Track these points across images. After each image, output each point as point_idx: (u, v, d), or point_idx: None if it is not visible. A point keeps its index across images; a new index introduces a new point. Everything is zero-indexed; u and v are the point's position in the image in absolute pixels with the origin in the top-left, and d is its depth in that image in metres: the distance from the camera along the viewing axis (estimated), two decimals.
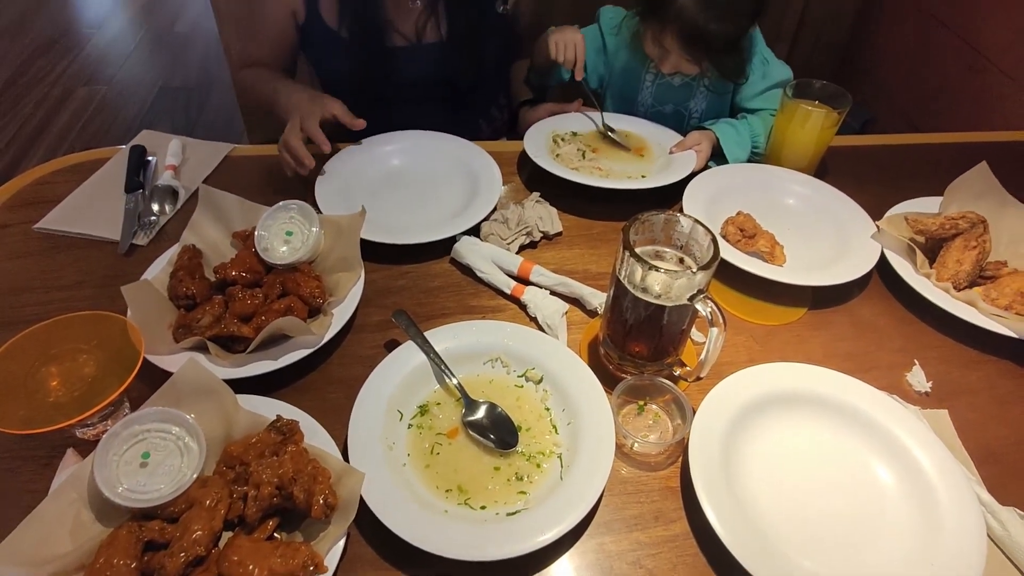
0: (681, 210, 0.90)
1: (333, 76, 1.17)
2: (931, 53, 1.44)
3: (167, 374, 0.61)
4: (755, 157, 1.07)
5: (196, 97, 2.74)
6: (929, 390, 0.74)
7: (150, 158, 1.00)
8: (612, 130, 1.08)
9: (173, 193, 0.93)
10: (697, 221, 0.68)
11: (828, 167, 1.06)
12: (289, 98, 1.00)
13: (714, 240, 0.65)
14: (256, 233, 0.78)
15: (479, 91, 1.23)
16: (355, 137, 1.01)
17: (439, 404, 0.69)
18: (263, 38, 1.11)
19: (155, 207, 0.91)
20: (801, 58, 1.62)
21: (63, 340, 0.63)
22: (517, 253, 0.88)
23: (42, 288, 0.81)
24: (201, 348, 0.69)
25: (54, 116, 2.56)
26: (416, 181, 0.99)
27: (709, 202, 0.94)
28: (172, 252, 0.78)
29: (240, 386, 0.64)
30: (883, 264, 0.86)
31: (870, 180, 1.04)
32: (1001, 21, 1.26)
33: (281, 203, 0.81)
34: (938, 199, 0.93)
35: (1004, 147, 1.16)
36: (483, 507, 0.60)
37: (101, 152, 1.02)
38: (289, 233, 0.80)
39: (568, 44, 1.06)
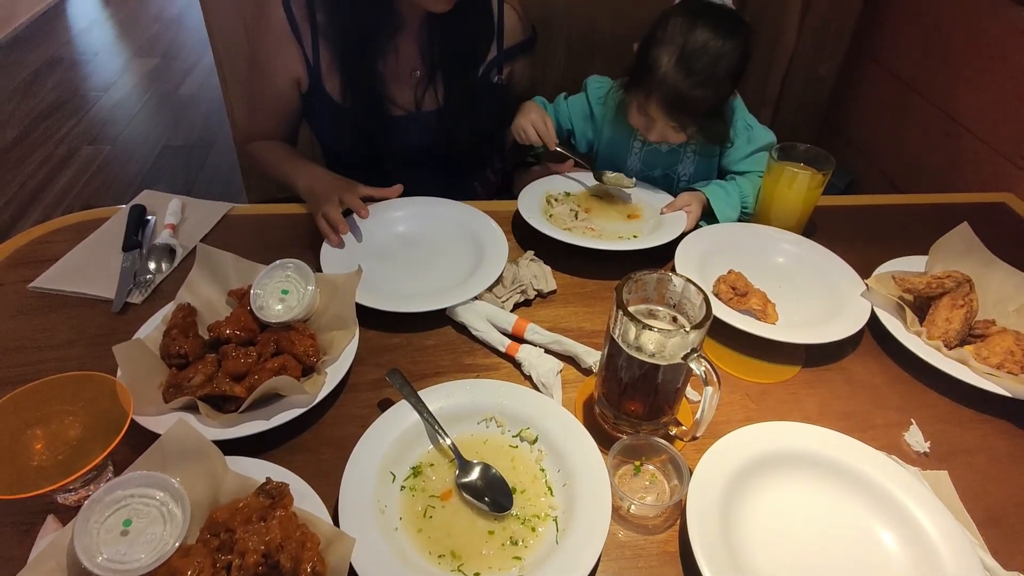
0: (673, 269, 0.92)
1: (334, 143, 1.20)
2: (908, 118, 1.49)
3: (155, 435, 0.60)
4: (744, 217, 1.09)
5: (197, 156, 2.80)
6: (928, 450, 0.73)
7: (149, 217, 1.01)
8: (603, 178, 1.11)
9: (170, 252, 0.94)
10: (689, 280, 0.68)
11: (816, 226, 1.09)
12: (312, 180, 1.05)
13: (706, 299, 0.66)
14: (252, 291, 0.79)
15: (475, 155, 1.27)
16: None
17: (432, 465, 0.68)
18: (269, 109, 1.14)
19: (151, 265, 0.91)
20: (785, 121, 1.68)
21: (50, 402, 0.62)
22: (512, 311, 0.89)
23: (34, 347, 0.81)
24: (192, 408, 0.69)
25: (57, 175, 2.60)
26: (422, 247, 0.99)
27: (701, 260, 0.95)
28: (167, 310, 0.78)
29: (230, 447, 0.62)
30: (874, 322, 0.86)
31: (856, 239, 1.06)
32: (974, 91, 1.32)
33: (278, 262, 0.82)
34: (923, 258, 0.95)
35: (982, 208, 1.19)
36: (477, 574, 0.58)
37: (101, 212, 1.04)
38: (285, 292, 0.80)
39: (527, 128, 1.10)
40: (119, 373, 0.68)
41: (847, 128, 1.68)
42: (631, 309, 0.66)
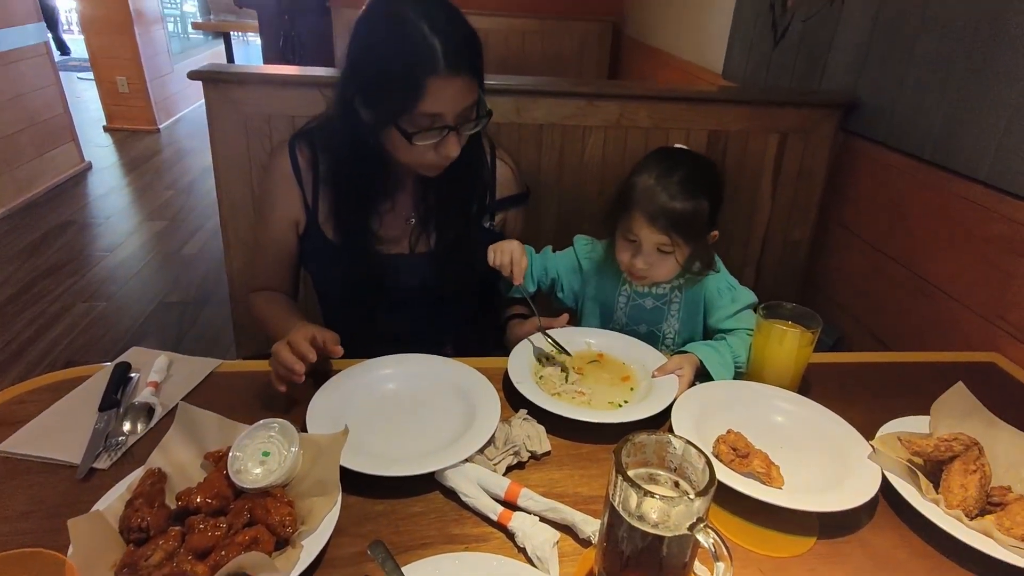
0: (670, 428, 0.89)
1: (327, 283, 1.24)
2: (883, 280, 1.55)
3: None
4: (738, 374, 1.08)
5: (191, 312, 2.83)
6: None
7: (133, 375, 0.99)
8: (565, 350, 1.10)
9: (149, 411, 0.90)
10: (689, 443, 0.66)
11: (810, 384, 1.08)
12: (288, 329, 1.03)
13: (709, 463, 0.63)
14: (230, 454, 0.74)
15: (467, 302, 1.29)
16: (348, 355, 1.02)
17: None
18: (270, 255, 1.19)
19: (126, 427, 0.87)
20: (768, 280, 1.75)
21: None
22: (504, 474, 0.84)
23: None
24: None
25: (45, 332, 2.60)
26: (411, 406, 0.96)
27: (698, 420, 0.92)
28: (134, 476, 0.73)
29: None
30: (886, 487, 0.82)
31: (852, 397, 1.05)
32: (943, 257, 1.39)
33: (262, 422, 0.79)
34: (924, 418, 0.93)
35: (972, 367, 1.20)
36: None
37: (83, 370, 1.01)
38: (266, 454, 0.76)
39: (504, 251, 1.13)
40: (70, 551, 0.61)
41: (828, 288, 1.74)
42: (631, 473, 0.62)
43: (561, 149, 1.56)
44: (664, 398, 0.98)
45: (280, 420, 0.78)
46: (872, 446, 0.87)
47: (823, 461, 0.88)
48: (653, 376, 1.04)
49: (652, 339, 1.19)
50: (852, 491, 0.80)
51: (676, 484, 0.67)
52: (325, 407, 0.92)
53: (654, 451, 0.68)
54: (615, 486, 0.63)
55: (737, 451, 0.85)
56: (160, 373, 0.99)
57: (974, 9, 1.27)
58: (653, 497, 0.59)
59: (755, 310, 1.05)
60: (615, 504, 0.63)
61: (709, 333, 1.18)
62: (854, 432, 0.91)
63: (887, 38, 1.50)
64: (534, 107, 1.51)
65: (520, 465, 0.87)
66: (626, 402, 1.00)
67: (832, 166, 1.67)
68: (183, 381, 1.00)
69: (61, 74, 4.25)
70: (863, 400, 1.04)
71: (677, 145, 1.18)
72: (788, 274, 1.74)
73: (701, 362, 1.06)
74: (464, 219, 1.20)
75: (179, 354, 1.06)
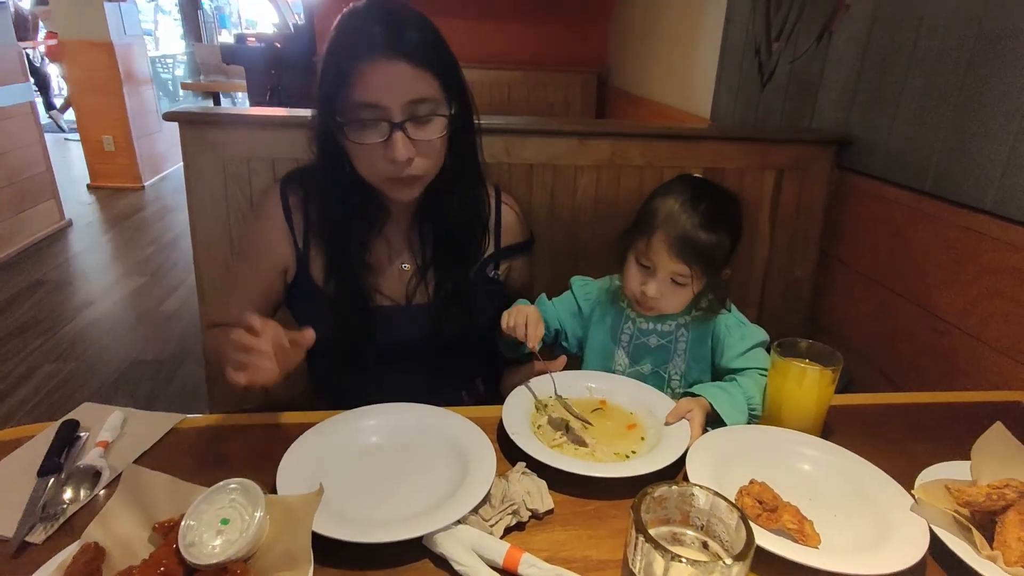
0: (686, 478, 0.79)
1: (318, 335, 1.14)
2: (891, 317, 1.49)
3: None
4: (752, 418, 1.00)
5: (166, 369, 2.70)
6: None
7: (82, 434, 0.88)
8: (561, 400, 1.00)
9: (95, 475, 0.79)
10: (718, 495, 0.57)
11: (832, 428, 0.99)
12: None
13: (744, 519, 0.54)
14: (183, 523, 0.64)
15: (464, 359, 1.19)
16: (336, 408, 0.93)
17: None
18: (246, 294, 1.09)
19: (67, 494, 0.76)
20: (771, 321, 1.68)
21: None
22: (502, 537, 0.73)
23: None
24: None
25: (6, 396, 2.45)
26: (396, 461, 0.86)
27: (715, 470, 0.83)
28: (68, 552, 0.62)
29: None
30: (935, 542, 0.73)
31: (876, 442, 0.95)
32: (951, 290, 1.33)
33: (221, 483, 0.68)
34: (964, 463, 0.84)
35: (998, 407, 1.11)
36: None
37: (25, 430, 0.90)
38: (225, 521, 0.65)
39: (520, 314, 1.04)
40: None
41: (834, 328, 1.67)
42: (652, 533, 0.53)
43: (552, 189, 1.51)
44: (677, 446, 0.88)
45: (242, 480, 0.68)
46: (914, 496, 0.78)
47: (860, 515, 0.79)
48: (667, 424, 0.95)
49: (657, 381, 1.11)
50: (899, 549, 0.70)
51: (704, 545, 0.58)
52: (299, 464, 0.81)
53: (676, 506, 0.59)
54: (635, 548, 0.53)
55: (764, 504, 0.75)
56: (112, 431, 0.89)
57: (963, 43, 1.26)
58: (681, 562, 0.50)
59: (768, 349, 0.97)
60: (635, 571, 0.53)
61: (718, 374, 1.10)
62: (892, 481, 0.82)
63: (877, 75, 1.49)
64: (524, 147, 1.47)
65: (520, 526, 0.76)
66: (634, 452, 0.91)
67: (830, 202, 1.64)
68: (138, 440, 0.89)
69: (49, 136, 4.24)
70: (888, 445, 0.95)
71: (698, 175, 1.13)
72: (792, 314, 1.67)
73: (711, 406, 0.97)
74: (465, 268, 1.12)
75: (136, 410, 0.96)
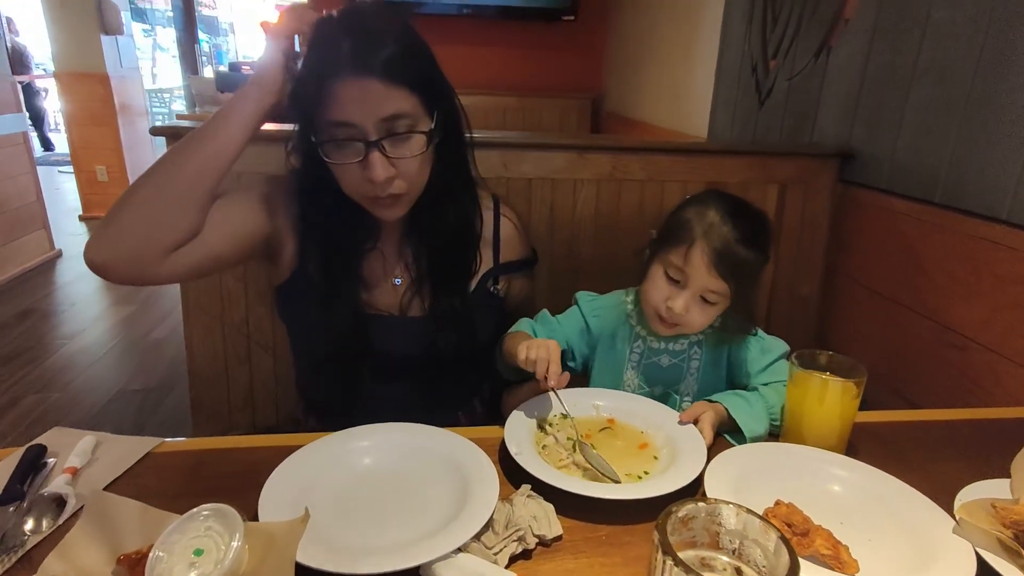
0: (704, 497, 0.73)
1: (310, 343, 1.09)
2: (903, 334, 1.44)
3: None
4: (774, 432, 0.94)
5: (153, 398, 2.61)
6: None
7: (49, 460, 0.81)
8: (587, 456, 0.93)
9: (60, 503, 0.72)
10: (752, 512, 0.51)
11: (856, 446, 0.93)
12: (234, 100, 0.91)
13: (783, 540, 0.48)
14: (151, 554, 0.57)
15: (462, 376, 1.13)
16: (327, 428, 0.87)
17: None
18: (224, 214, 0.95)
19: (29, 524, 0.69)
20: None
21: None
22: (507, 567, 0.66)
23: None
24: None
25: None
26: (391, 485, 0.79)
27: (736, 489, 0.76)
28: None
29: None
30: (981, 567, 0.66)
31: (906, 461, 0.89)
32: (967, 303, 1.29)
33: (195, 509, 0.62)
34: (1003, 481, 0.78)
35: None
36: None
37: None
38: (198, 552, 0.59)
39: (540, 348, 0.94)
40: None
41: (843, 346, 1.62)
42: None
43: (552, 204, 1.47)
44: (693, 464, 0.82)
45: (219, 505, 0.62)
46: (955, 518, 0.72)
47: (898, 539, 0.72)
48: (680, 422, 0.90)
49: (668, 403, 1.04)
50: (944, 574, 0.64)
51: (738, 572, 0.51)
52: (284, 488, 0.74)
53: (704, 526, 0.53)
54: (661, 574, 0.47)
55: (793, 528, 0.69)
56: (81, 457, 0.82)
57: (969, 54, 1.24)
58: None
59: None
60: None
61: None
62: (929, 502, 0.76)
63: (879, 88, 1.47)
64: (521, 161, 1.43)
65: (526, 554, 0.69)
66: (647, 473, 0.84)
67: (835, 217, 1.60)
68: (110, 465, 0.82)
69: (42, 168, 4.22)
70: (915, 465, 0.88)
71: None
72: (799, 333, 1.62)
73: (728, 413, 0.91)
74: (461, 283, 1.07)
75: (109, 434, 0.89)
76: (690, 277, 0.95)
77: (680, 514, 0.51)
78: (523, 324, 1.11)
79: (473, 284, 1.08)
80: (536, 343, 0.97)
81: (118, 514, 0.63)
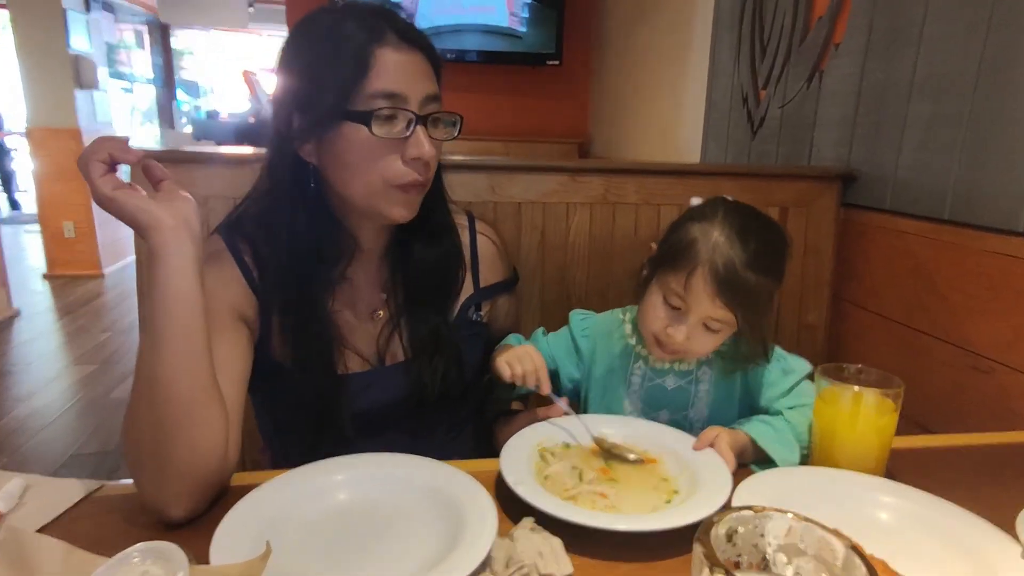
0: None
1: (279, 410, 0.97)
2: (920, 359, 1.36)
3: None
4: (803, 459, 0.84)
5: (110, 462, 2.42)
6: None
7: None
8: (608, 448, 0.84)
9: None
10: (811, 520, 0.41)
11: (894, 472, 0.83)
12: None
13: (855, 551, 0.38)
14: None
15: (449, 415, 1.01)
16: (290, 463, 0.75)
17: None
18: (232, 366, 0.82)
19: None
20: None
21: None
22: None
23: None
24: None
25: None
26: (372, 522, 0.68)
27: None
28: None
29: None
30: None
31: (952, 486, 0.79)
32: (990, 322, 1.22)
33: (130, 548, 0.51)
34: None
35: None
36: None
37: None
38: None
39: (523, 359, 0.89)
40: None
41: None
42: None
43: (543, 228, 1.40)
44: (718, 491, 0.71)
45: (160, 543, 0.51)
46: (1021, 542, 0.62)
47: (960, 569, 0.62)
48: (695, 449, 0.81)
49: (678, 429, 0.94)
50: None
51: None
52: (243, 527, 0.63)
53: (752, 541, 0.43)
54: None
55: None
56: (7, 500, 0.70)
57: (968, 67, 1.22)
58: None
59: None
60: None
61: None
62: (992, 527, 0.66)
63: (876, 107, 1.45)
64: (510, 184, 1.37)
65: None
66: (667, 502, 0.74)
67: (839, 241, 1.54)
68: (41, 510, 0.70)
69: (8, 227, 4.11)
70: (962, 490, 0.78)
71: (729, 198, 0.95)
72: (809, 359, 1.53)
73: (753, 442, 0.81)
74: (442, 311, 0.97)
75: (43, 476, 0.77)
76: (691, 306, 0.85)
77: (723, 526, 0.41)
78: (510, 340, 1.03)
79: (454, 312, 0.99)
80: (516, 355, 0.89)
81: (34, 554, 0.51)
